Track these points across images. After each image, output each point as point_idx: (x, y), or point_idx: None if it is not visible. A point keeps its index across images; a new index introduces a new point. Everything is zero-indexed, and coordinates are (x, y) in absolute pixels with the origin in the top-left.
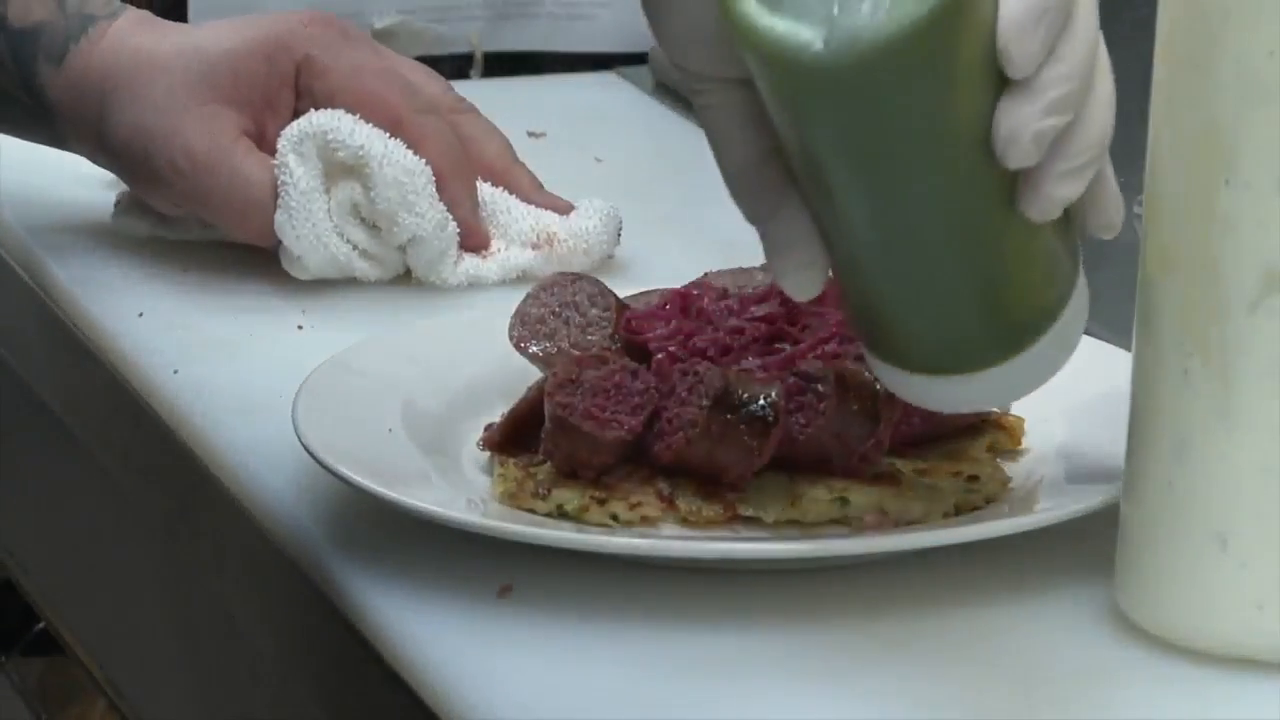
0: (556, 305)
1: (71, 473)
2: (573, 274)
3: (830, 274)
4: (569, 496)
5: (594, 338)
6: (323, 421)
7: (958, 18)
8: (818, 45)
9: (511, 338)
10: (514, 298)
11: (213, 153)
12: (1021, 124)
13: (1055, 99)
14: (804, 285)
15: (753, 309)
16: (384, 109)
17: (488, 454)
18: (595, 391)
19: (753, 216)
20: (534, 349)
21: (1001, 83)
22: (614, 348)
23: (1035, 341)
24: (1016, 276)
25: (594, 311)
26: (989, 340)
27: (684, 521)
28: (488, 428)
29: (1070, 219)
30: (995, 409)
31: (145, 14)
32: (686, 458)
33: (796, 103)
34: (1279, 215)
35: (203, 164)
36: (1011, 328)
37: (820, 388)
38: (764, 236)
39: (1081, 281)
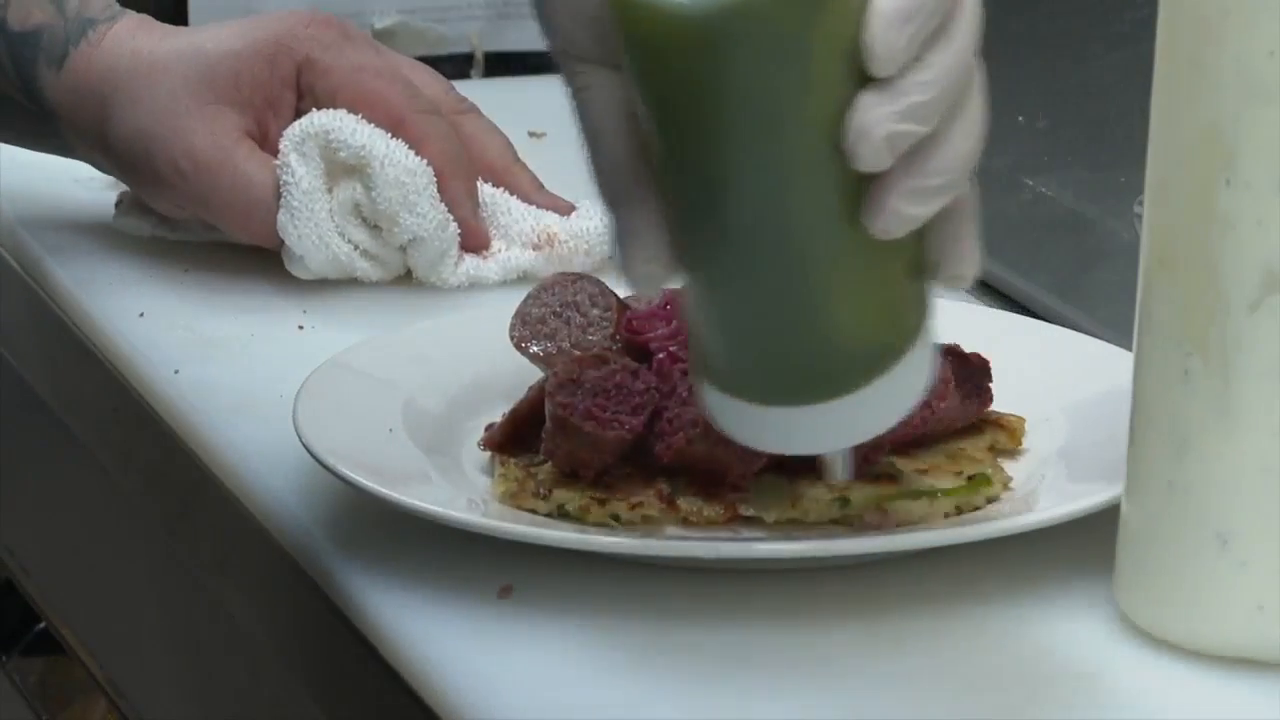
0: (557, 305)
1: (72, 473)
2: (574, 274)
3: (674, 279)
4: (570, 497)
5: (595, 338)
6: (323, 421)
7: None
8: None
9: (512, 338)
10: (514, 298)
11: (215, 154)
12: (875, 121)
13: (914, 104)
14: (645, 280)
15: None
16: (385, 109)
17: (488, 454)
18: (596, 391)
19: (611, 206)
20: (534, 349)
21: (865, 81)
22: (615, 348)
23: (859, 387)
24: (852, 302)
25: (595, 311)
26: (815, 371)
27: (685, 522)
28: (488, 428)
29: (921, 265)
30: (827, 448)
31: (145, 17)
32: (687, 458)
33: (655, 60)
34: (1279, 215)
35: (205, 165)
36: (845, 361)
37: None
38: (614, 226)
39: (927, 342)
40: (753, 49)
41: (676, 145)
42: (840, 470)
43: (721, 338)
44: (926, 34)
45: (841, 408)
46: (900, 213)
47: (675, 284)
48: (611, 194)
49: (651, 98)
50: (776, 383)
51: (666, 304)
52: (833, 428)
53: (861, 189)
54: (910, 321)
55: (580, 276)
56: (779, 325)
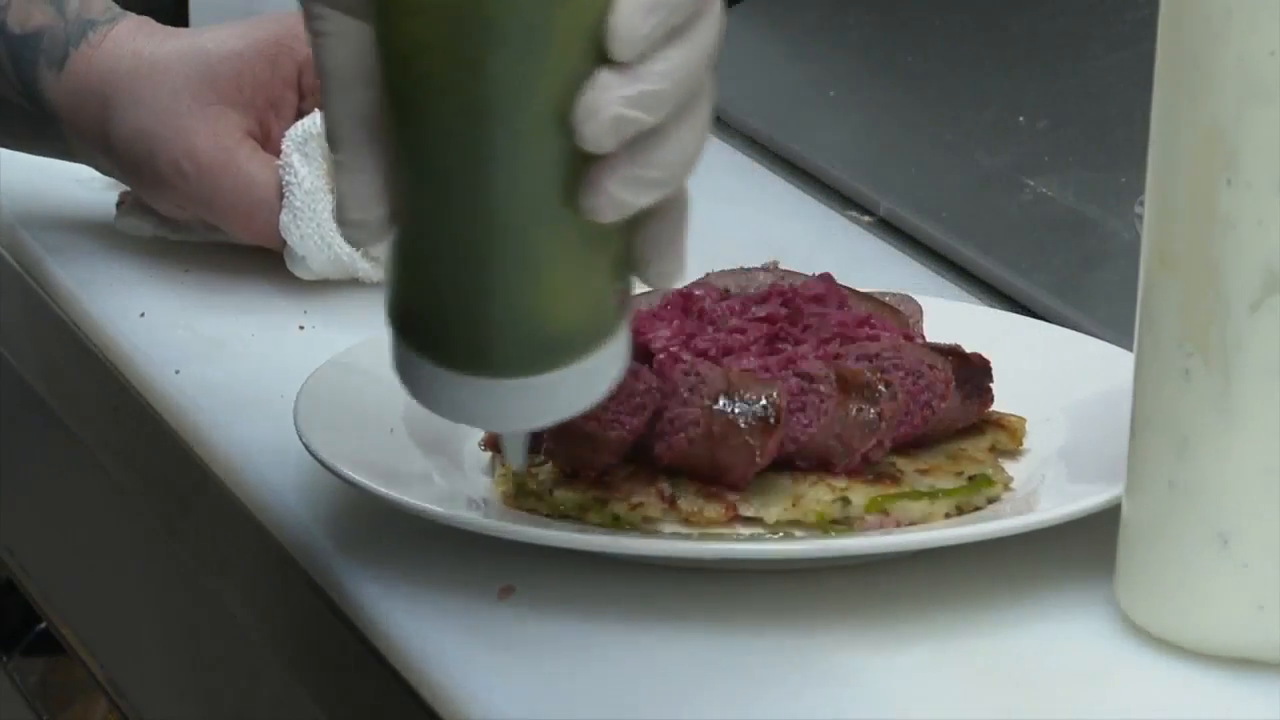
0: None
1: (73, 472)
2: None
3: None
4: (570, 497)
5: None
6: (324, 421)
7: None
8: None
9: None
10: None
11: (217, 154)
12: (606, 102)
13: (647, 91)
14: (356, 230)
15: (754, 309)
16: None
17: (489, 454)
18: None
19: (334, 152)
20: None
21: (603, 63)
22: None
23: (548, 370)
24: (556, 284)
25: None
26: (509, 346)
27: (685, 522)
28: None
29: (626, 261)
30: (503, 427)
31: (145, 19)
32: (688, 458)
33: (397, 19)
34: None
35: (207, 166)
36: (532, 342)
37: (822, 388)
38: (336, 174)
39: (622, 340)
40: (498, 20)
41: (409, 104)
42: (517, 456)
43: (423, 297)
44: (669, 28)
45: (526, 389)
46: (615, 197)
47: (386, 240)
48: (336, 142)
49: (390, 55)
50: (470, 352)
51: (667, 304)
52: (514, 407)
53: (581, 171)
54: (608, 315)
55: None
56: (482, 295)
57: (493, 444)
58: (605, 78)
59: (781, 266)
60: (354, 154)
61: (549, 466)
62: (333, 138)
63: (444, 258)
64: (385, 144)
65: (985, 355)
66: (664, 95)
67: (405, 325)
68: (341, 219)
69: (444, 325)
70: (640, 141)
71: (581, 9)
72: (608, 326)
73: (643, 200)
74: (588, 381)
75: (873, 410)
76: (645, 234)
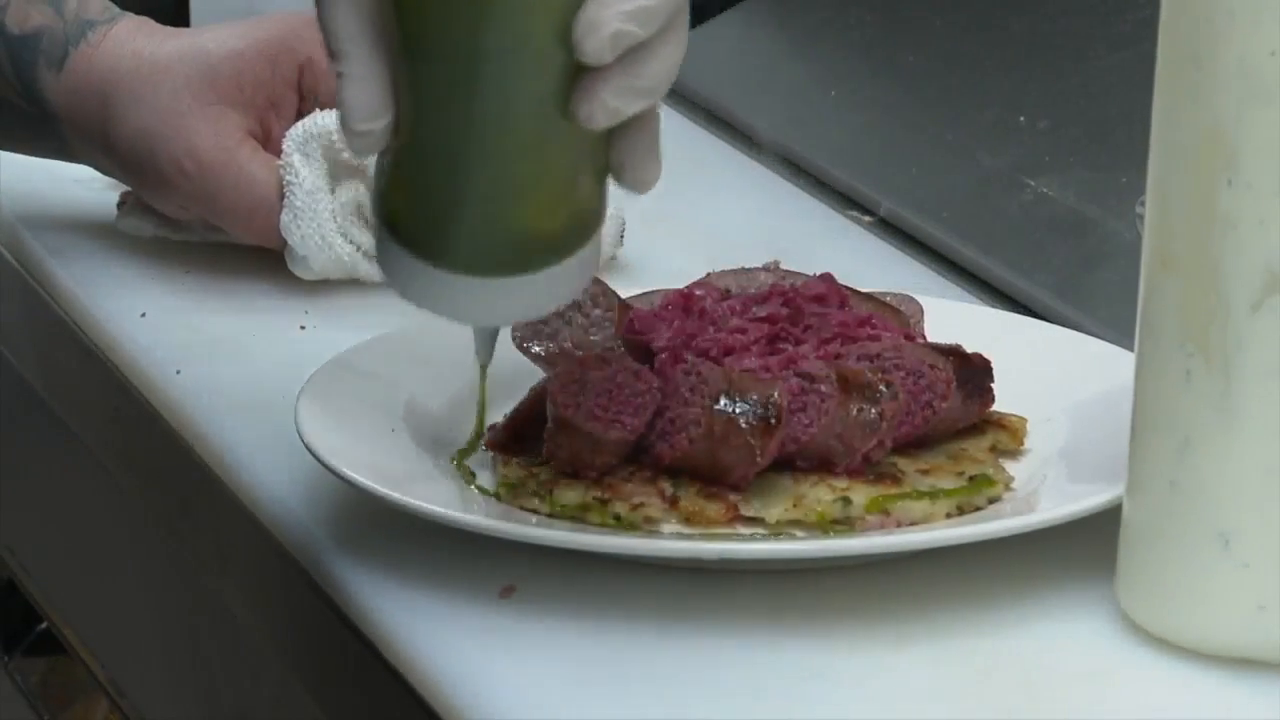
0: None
1: (74, 472)
2: None
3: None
4: (571, 497)
5: (596, 338)
6: (325, 422)
7: None
8: None
9: (514, 338)
10: None
11: (219, 154)
12: (607, 18)
13: (642, 7)
14: (363, 139)
15: (755, 309)
16: None
17: (490, 454)
18: (598, 392)
19: (336, 63)
20: (536, 349)
21: None
22: (616, 348)
23: (546, 266)
24: (544, 187)
25: (596, 312)
26: (507, 247)
27: (686, 522)
28: (491, 428)
29: (605, 169)
30: (484, 322)
31: (144, 19)
32: (689, 458)
33: None
34: None
35: (208, 165)
36: (529, 242)
37: (823, 388)
38: (339, 85)
39: (592, 250)
40: None
41: (412, 11)
42: (485, 351)
43: (414, 196)
44: None
45: (502, 287)
46: (608, 105)
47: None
48: (338, 54)
49: None
50: (453, 249)
51: (667, 305)
52: (488, 304)
53: (572, 81)
54: (583, 224)
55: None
56: (471, 197)
57: (494, 444)
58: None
59: (782, 266)
60: (357, 64)
61: (550, 466)
62: (335, 49)
63: (438, 161)
64: (387, 53)
65: (986, 355)
66: (656, 11)
67: (392, 220)
68: (347, 128)
69: (431, 223)
70: (632, 54)
71: None
72: (582, 235)
73: (632, 108)
74: (558, 285)
75: (874, 410)
76: (624, 143)
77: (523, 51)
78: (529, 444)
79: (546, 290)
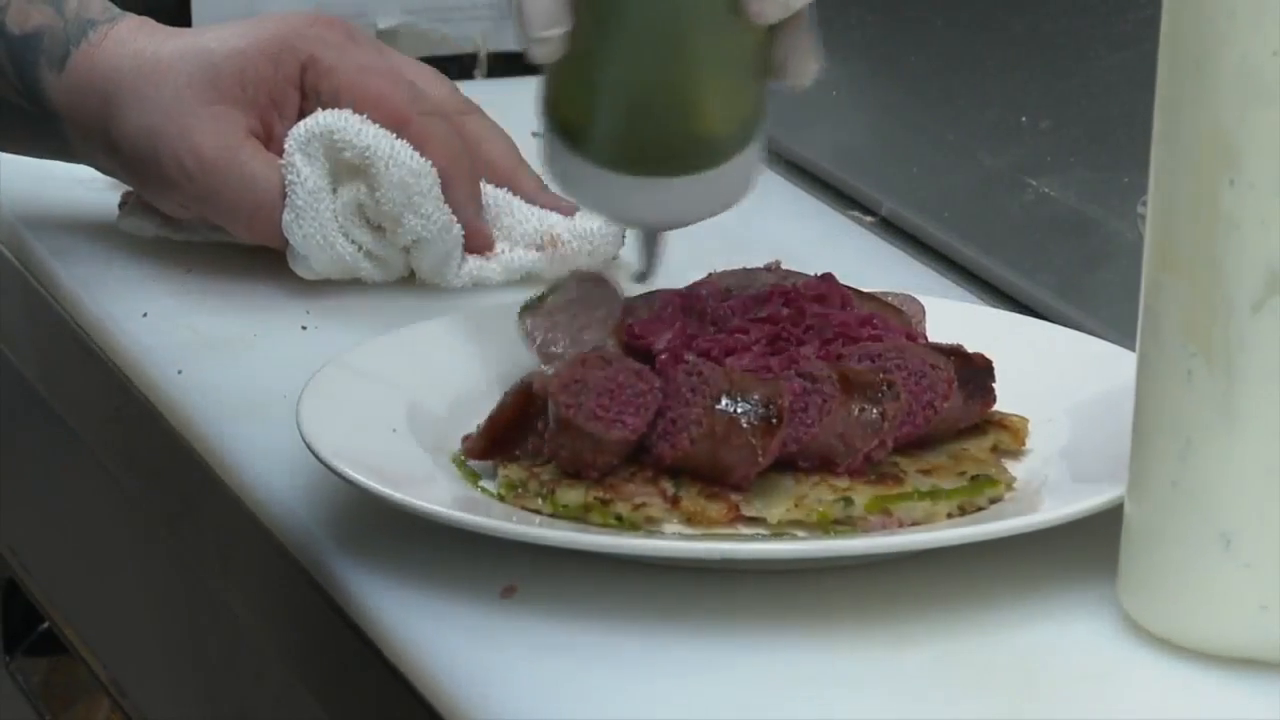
0: (574, 297)
1: (75, 473)
2: (594, 275)
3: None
4: (573, 497)
5: (589, 338)
6: (327, 422)
7: None
8: None
9: (521, 322)
10: (518, 298)
11: (221, 153)
12: None
13: None
14: (542, 45)
15: (756, 310)
16: (389, 111)
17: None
18: (599, 392)
19: None
20: (532, 326)
21: None
22: (610, 346)
23: (718, 165)
24: (714, 90)
25: (599, 313)
26: (682, 147)
27: (688, 522)
28: (466, 438)
29: (768, 69)
30: (656, 224)
31: (145, 19)
32: (690, 458)
33: None
34: None
35: (211, 164)
36: (703, 142)
37: (824, 388)
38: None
39: (757, 149)
40: None
41: None
42: (649, 259)
43: (588, 100)
44: None
45: (677, 188)
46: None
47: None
48: None
49: None
50: (628, 152)
51: (668, 306)
52: (663, 205)
53: None
54: (752, 122)
55: (598, 278)
56: (648, 98)
57: (474, 453)
58: None
59: (784, 267)
60: None
61: (552, 466)
62: None
63: (611, 65)
64: None
65: (987, 355)
66: None
67: (564, 127)
68: (526, 37)
69: (604, 127)
70: None
71: None
72: (747, 136)
73: (799, 3)
74: (726, 186)
75: (875, 410)
76: (783, 41)
77: None
78: (507, 449)
79: (715, 191)
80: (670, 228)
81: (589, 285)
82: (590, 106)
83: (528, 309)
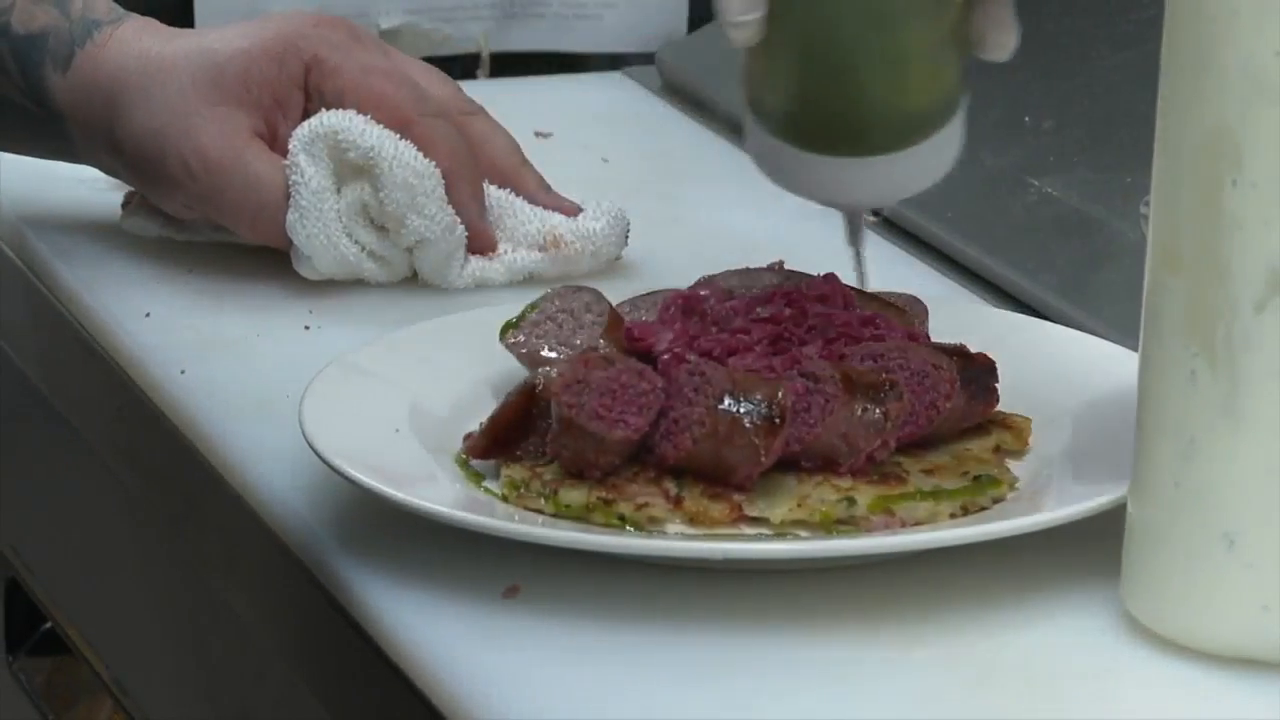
0: (554, 310)
1: (78, 473)
2: (575, 286)
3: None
4: (576, 497)
5: (579, 340)
6: (330, 422)
7: None
8: None
9: (502, 338)
10: (521, 299)
11: (225, 154)
12: None
13: None
14: (739, 29)
15: (759, 310)
16: (392, 112)
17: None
18: (602, 391)
19: None
20: (518, 339)
21: None
22: (602, 347)
23: (920, 140)
24: (919, 66)
25: (588, 317)
26: (884, 124)
27: (691, 522)
28: (467, 437)
29: (966, 40)
30: (862, 203)
31: (150, 20)
32: (693, 458)
33: None
34: None
35: (215, 165)
36: (905, 117)
37: (827, 388)
38: None
39: (961, 115)
40: None
41: None
42: (857, 237)
43: (796, 84)
44: None
45: (890, 164)
46: None
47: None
48: None
49: None
50: (830, 132)
51: (669, 308)
52: (880, 182)
53: None
54: (951, 97)
55: (580, 288)
56: (848, 77)
57: (475, 453)
58: None
59: (786, 267)
60: None
61: (554, 466)
62: None
63: (809, 46)
64: None
65: (990, 355)
66: None
67: (767, 110)
68: (724, 22)
69: (806, 109)
70: None
71: None
72: (948, 111)
73: None
74: (926, 162)
75: (878, 410)
76: (982, 12)
77: None
78: (509, 449)
79: (916, 167)
80: (878, 205)
81: (571, 296)
82: (792, 89)
83: (509, 327)
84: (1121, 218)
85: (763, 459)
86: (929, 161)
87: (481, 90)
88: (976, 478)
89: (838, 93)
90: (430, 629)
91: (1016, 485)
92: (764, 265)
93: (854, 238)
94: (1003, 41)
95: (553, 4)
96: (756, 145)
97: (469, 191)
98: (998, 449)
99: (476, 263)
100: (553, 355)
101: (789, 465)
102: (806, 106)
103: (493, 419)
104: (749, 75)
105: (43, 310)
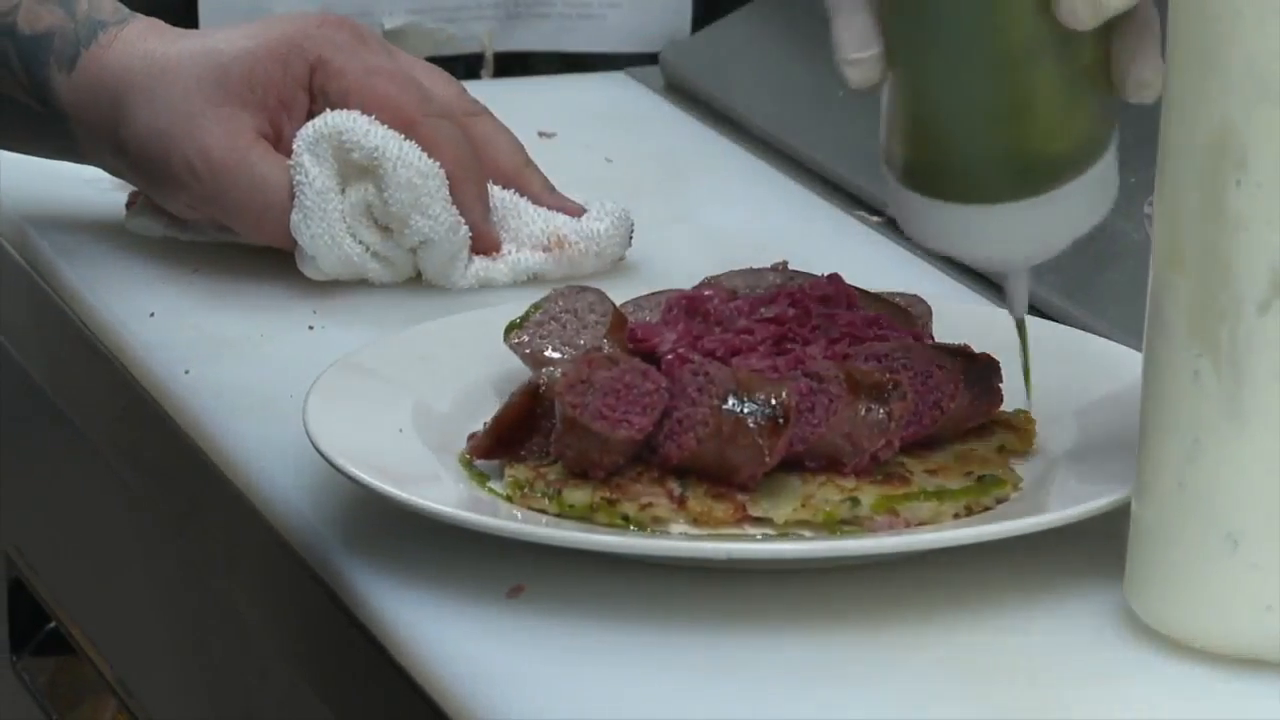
0: (558, 311)
1: (81, 473)
2: (579, 286)
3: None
4: (579, 497)
5: (583, 340)
6: (334, 422)
7: None
8: None
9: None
10: (525, 299)
11: (229, 155)
12: None
13: None
14: (856, 70)
15: (762, 310)
16: (397, 113)
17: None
18: (605, 391)
19: (826, 4)
20: (522, 339)
21: None
22: (605, 347)
23: (1056, 186)
24: (1047, 102)
25: (591, 317)
26: (1011, 168)
27: (695, 522)
28: (471, 437)
29: (1107, 79)
30: (1005, 258)
31: (155, 20)
32: (697, 458)
33: None
34: None
35: (219, 166)
36: (1034, 161)
37: (831, 388)
38: (831, 26)
39: (1112, 151)
40: None
41: None
42: (1019, 305)
43: (922, 132)
44: None
45: (1020, 211)
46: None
47: (877, 79)
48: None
49: None
50: (959, 178)
51: (672, 308)
52: (1004, 233)
53: None
54: (1099, 132)
55: (584, 288)
56: (973, 123)
57: (479, 452)
58: None
59: (790, 267)
60: (846, 6)
61: (558, 466)
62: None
63: (927, 88)
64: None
65: (994, 355)
66: None
67: (898, 162)
68: (840, 59)
69: (933, 156)
70: None
71: None
72: (1098, 144)
73: (1119, 5)
74: (1071, 208)
75: (882, 410)
76: (1119, 47)
77: None
78: (513, 449)
79: (1060, 214)
80: (1024, 260)
81: (575, 296)
82: (914, 133)
83: (512, 328)
84: (1126, 218)
85: (767, 459)
86: (1074, 208)
87: (485, 90)
88: (980, 478)
89: (960, 138)
90: (434, 629)
91: (1020, 485)
92: (768, 265)
93: (1014, 304)
94: (1145, 79)
95: (556, 4)
96: (892, 197)
97: (473, 192)
98: (1002, 449)
99: (480, 263)
100: (556, 355)
101: (793, 465)
102: (931, 152)
103: (496, 419)
104: (883, 124)
105: (46, 310)
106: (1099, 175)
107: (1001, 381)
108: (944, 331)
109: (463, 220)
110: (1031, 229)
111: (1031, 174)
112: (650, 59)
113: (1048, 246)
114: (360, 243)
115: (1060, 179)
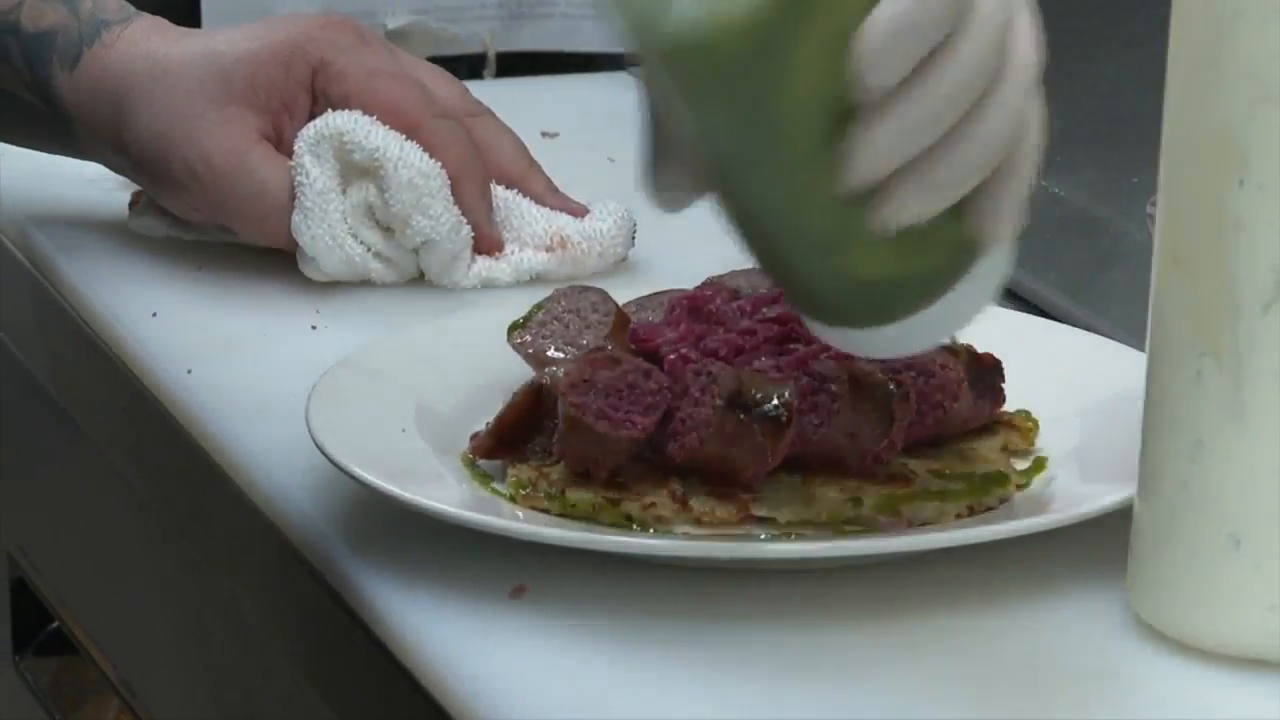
0: (561, 311)
1: (84, 472)
2: (581, 286)
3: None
4: (582, 497)
5: (586, 340)
6: (336, 421)
7: (803, 16)
8: (670, 15)
9: (510, 337)
10: (528, 299)
11: (231, 156)
12: (867, 146)
13: (912, 123)
14: (667, 201)
15: (765, 310)
16: (399, 114)
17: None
18: (608, 391)
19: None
20: (525, 339)
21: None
22: (608, 347)
23: (927, 303)
24: (873, 257)
25: (594, 316)
26: (859, 298)
27: (697, 522)
28: (474, 437)
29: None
30: (897, 354)
31: (158, 20)
32: (700, 458)
33: (659, 71)
34: None
35: (221, 168)
36: (879, 289)
37: (833, 388)
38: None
39: (996, 257)
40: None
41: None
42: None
43: (758, 259)
44: (926, 48)
45: (897, 330)
46: (897, 215)
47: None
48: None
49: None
50: (819, 307)
51: (674, 308)
52: (883, 342)
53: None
54: (954, 254)
55: (586, 288)
56: (794, 255)
57: (481, 452)
58: (864, 119)
59: None
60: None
61: (561, 466)
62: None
63: (755, 224)
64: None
65: (997, 355)
66: (934, 118)
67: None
68: (650, 194)
69: (788, 290)
70: (925, 155)
71: (830, 30)
72: (958, 264)
73: (937, 205)
74: (954, 309)
75: (884, 410)
76: (970, 200)
77: (795, 151)
78: (516, 449)
79: (927, 325)
80: (909, 352)
81: (577, 296)
82: (773, 268)
83: (515, 327)
84: (1128, 218)
85: (770, 459)
86: (943, 319)
87: (488, 90)
88: (983, 478)
89: (788, 269)
90: (437, 629)
91: (1023, 485)
92: None
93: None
94: (991, 231)
95: (559, 4)
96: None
97: (476, 193)
98: (1004, 449)
99: (483, 263)
100: (559, 355)
101: (796, 465)
102: (777, 281)
103: (499, 419)
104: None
105: (49, 309)
106: (974, 286)
107: (1004, 382)
108: None
109: (464, 220)
110: (914, 335)
111: (879, 303)
112: None
113: (936, 340)
114: (362, 243)
115: (920, 303)
